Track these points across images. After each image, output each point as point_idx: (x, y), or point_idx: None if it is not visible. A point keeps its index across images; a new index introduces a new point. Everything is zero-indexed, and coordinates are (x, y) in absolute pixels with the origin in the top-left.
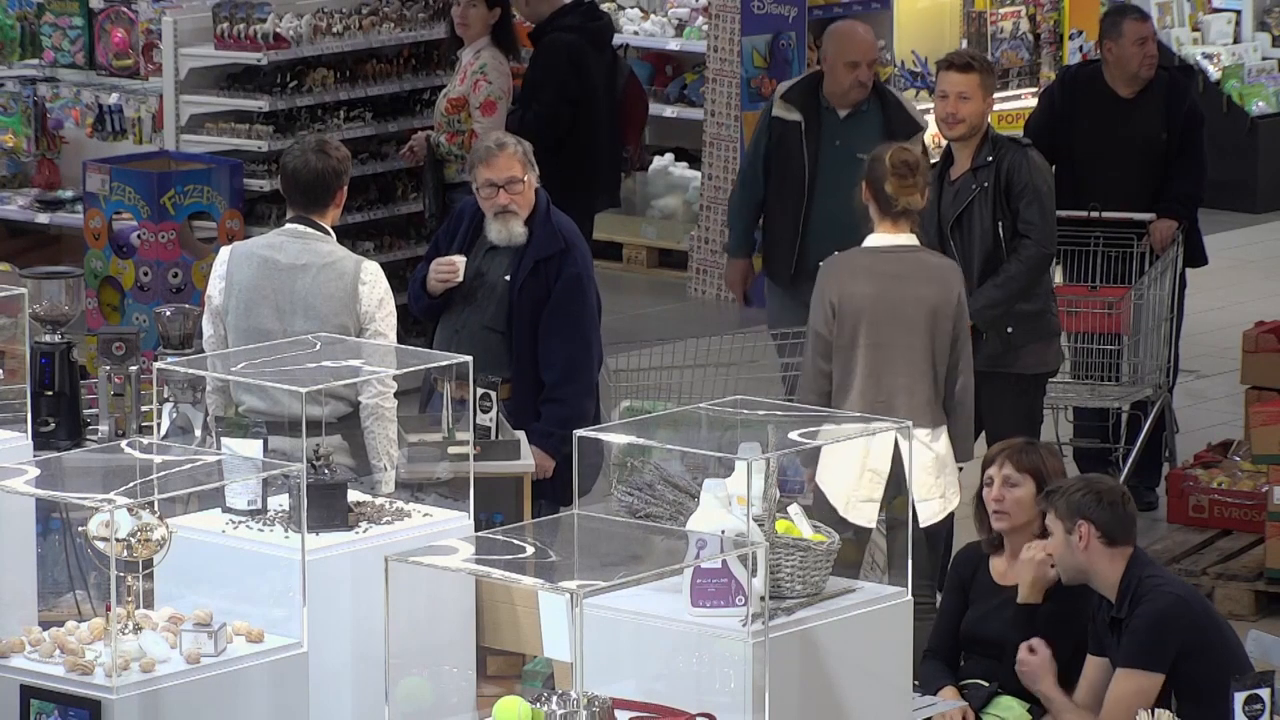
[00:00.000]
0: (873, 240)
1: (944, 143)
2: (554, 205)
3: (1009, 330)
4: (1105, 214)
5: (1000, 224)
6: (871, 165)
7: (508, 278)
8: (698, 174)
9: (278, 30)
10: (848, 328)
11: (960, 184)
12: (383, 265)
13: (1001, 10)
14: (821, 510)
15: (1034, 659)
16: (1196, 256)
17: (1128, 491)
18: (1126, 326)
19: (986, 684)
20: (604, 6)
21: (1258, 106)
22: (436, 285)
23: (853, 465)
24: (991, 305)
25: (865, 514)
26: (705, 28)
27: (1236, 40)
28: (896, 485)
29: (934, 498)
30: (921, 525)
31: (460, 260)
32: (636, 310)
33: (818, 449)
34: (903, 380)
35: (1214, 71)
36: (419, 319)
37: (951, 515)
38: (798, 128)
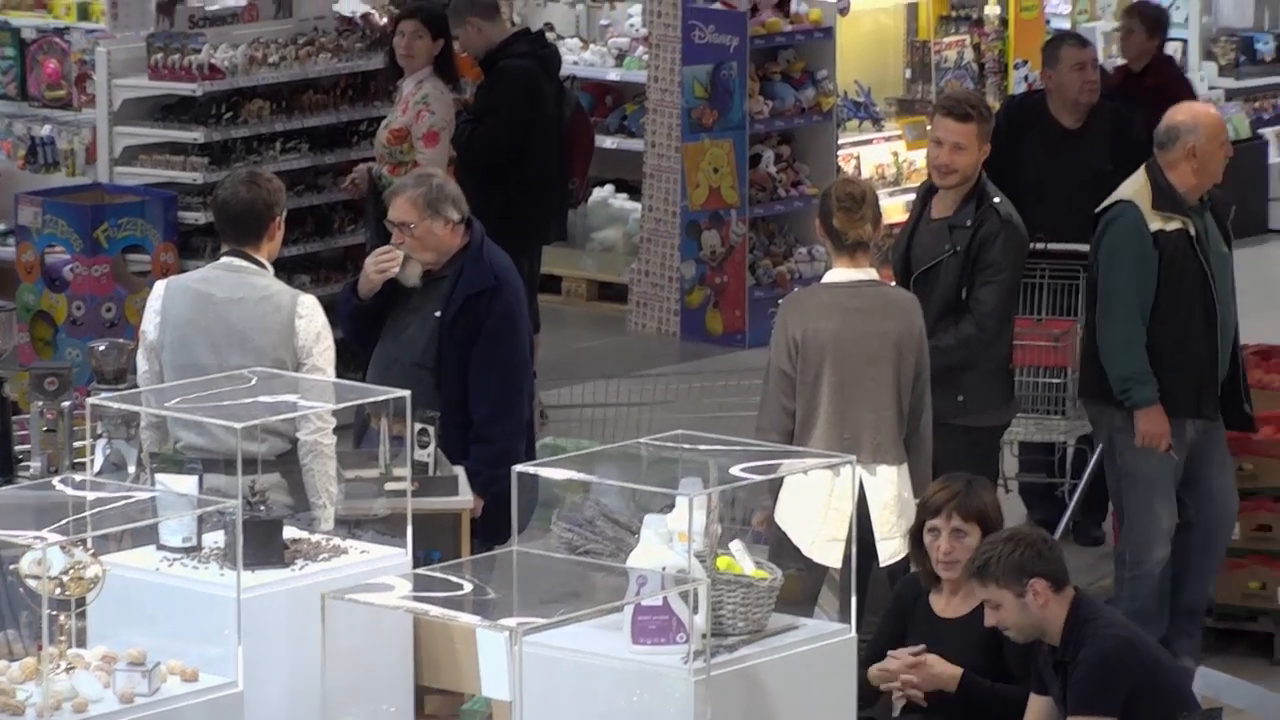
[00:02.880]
0: (832, 276)
1: None
2: (501, 238)
3: (959, 398)
4: (1051, 245)
5: (964, 290)
6: (821, 201)
7: (438, 314)
8: (638, 206)
9: (213, 61)
10: (811, 364)
11: (936, 231)
12: (320, 299)
13: (945, 40)
14: (783, 549)
15: (921, 669)
16: None
17: (1043, 534)
18: (1072, 359)
19: None
20: (546, 36)
21: None
22: (374, 278)
23: (817, 503)
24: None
25: (831, 553)
26: (645, 58)
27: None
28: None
29: (895, 537)
30: (882, 564)
31: (399, 254)
32: (576, 344)
33: (762, 484)
34: (868, 416)
35: None
36: (348, 337)
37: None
38: (1185, 238)
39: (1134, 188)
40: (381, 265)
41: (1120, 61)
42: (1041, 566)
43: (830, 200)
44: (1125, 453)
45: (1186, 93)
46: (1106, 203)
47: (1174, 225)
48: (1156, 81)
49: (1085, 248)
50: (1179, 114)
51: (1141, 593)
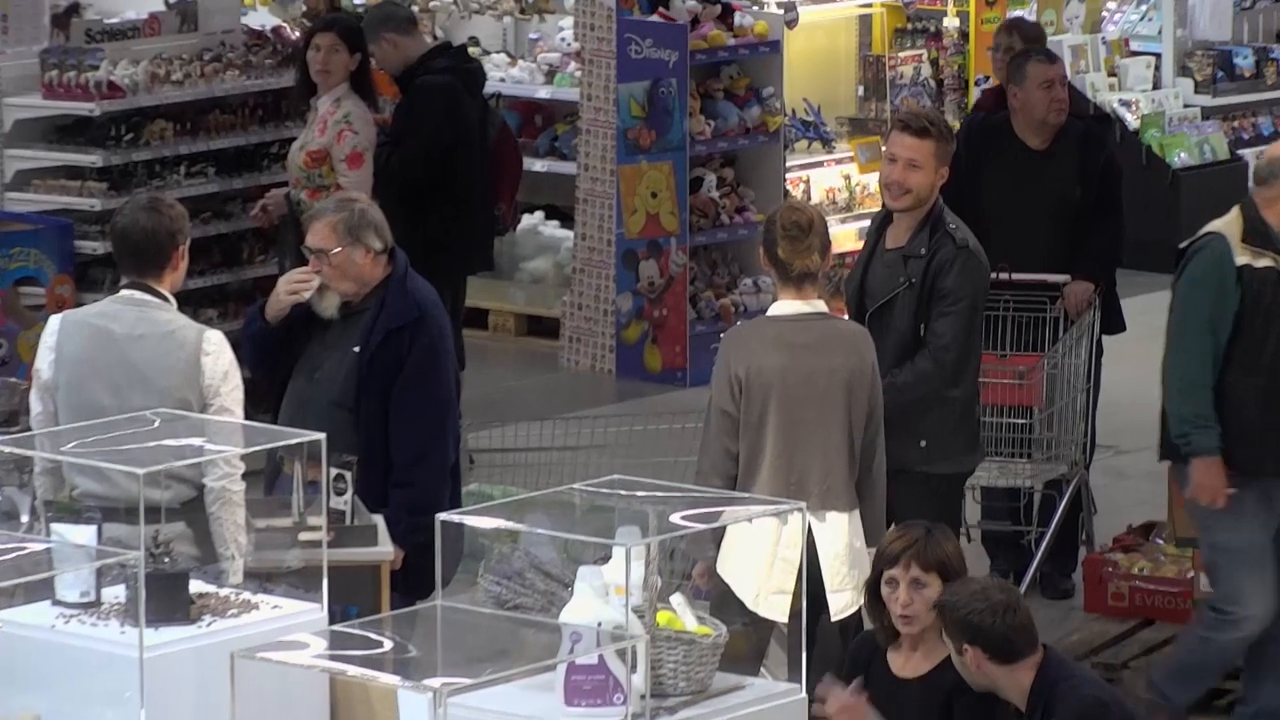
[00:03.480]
0: (777, 308)
1: None
2: (422, 269)
3: (921, 444)
4: (1015, 276)
5: (922, 326)
6: (766, 228)
7: (356, 349)
8: (570, 234)
9: (111, 78)
10: (756, 404)
11: (891, 263)
12: (227, 334)
13: (901, 54)
14: (727, 604)
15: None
16: (1114, 322)
17: (1016, 599)
18: (1039, 398)
19: None
20: (469, 51)
21: (1180, 158)
22: (285, 299)
23: (762, 554)
24: None
25: (778, 607)
26: (578, 74)
27: (1156, 86)
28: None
29: (847, 589)
30: (833, 619)
31: (317, 279)
32: (504, 383)
33: (704, 533)
34: (817, 459)
35: (1132, 120)
36: (248, 361)
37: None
38: (1275, 276)
39: (1225, 221)
40: (294, 287)
41: (992, 83)
42: (983, 638)
43: (775, 228)
44: (1208, 518)
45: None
46: (1194, 236)
47: (1264, 262)
48: None
49: (1053, 278)
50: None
51: (1201, 653)
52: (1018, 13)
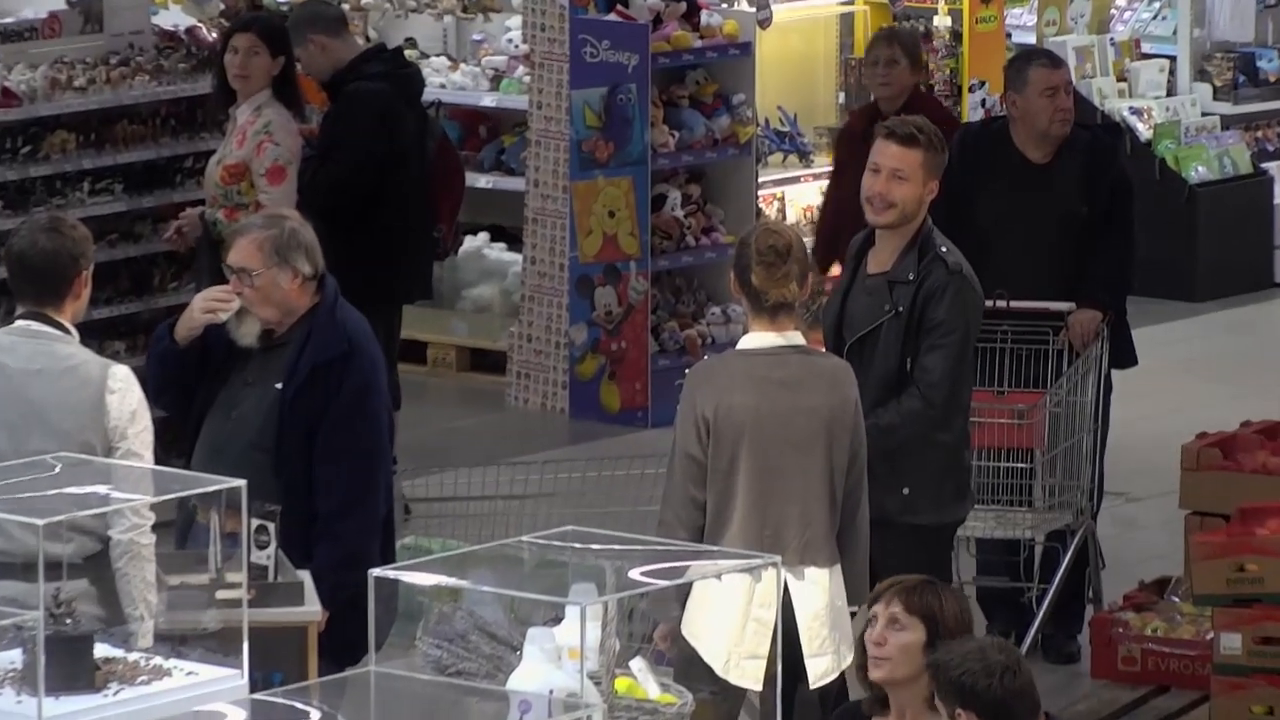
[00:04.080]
0: (749, 341)
1: None
2: (353, 297)
3: (904, 491)
4: (1014, 304)
5: (908, 358)
6: (738, 251)
7: (279, 386)
8: (518, 257)
9: (6, 84)
10: (726, 447)
11: (874, 289)
12: (136, 370)
13: None
14: (693, 669)
15: None
16: (1124, 355)
17: (1017, 660)
18: (1040, 440)
19: None
20: (406, 54)
21: (1197, 172)
22: (199, 317)
23: (733, 614)
24: None
25: (750, 673)
26: (527, 80)
27: (1171, 92)
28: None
29: (826, 653)
30: (811, 686)
31: (239, 302)
32: (444, 424)
33: (668, 591)
34: (794, 509)
35: (1144, 130)
36: (152, 383)
37: (844, 673)
38: None
39: None
40: (211, 305)
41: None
42: (977, 702)
43: (748, 252)
44: None
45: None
46: None
47: None
48: None
49: (1056, 306)
50: None
51: None
52: (1016, 10)
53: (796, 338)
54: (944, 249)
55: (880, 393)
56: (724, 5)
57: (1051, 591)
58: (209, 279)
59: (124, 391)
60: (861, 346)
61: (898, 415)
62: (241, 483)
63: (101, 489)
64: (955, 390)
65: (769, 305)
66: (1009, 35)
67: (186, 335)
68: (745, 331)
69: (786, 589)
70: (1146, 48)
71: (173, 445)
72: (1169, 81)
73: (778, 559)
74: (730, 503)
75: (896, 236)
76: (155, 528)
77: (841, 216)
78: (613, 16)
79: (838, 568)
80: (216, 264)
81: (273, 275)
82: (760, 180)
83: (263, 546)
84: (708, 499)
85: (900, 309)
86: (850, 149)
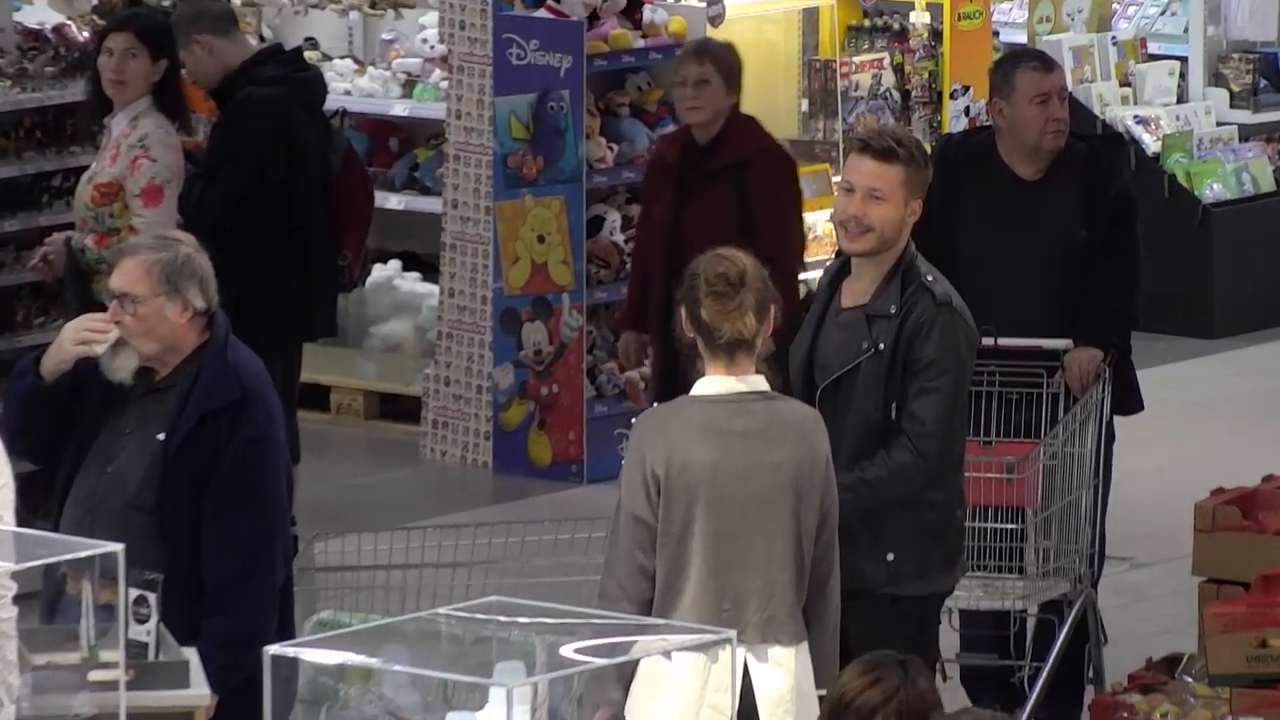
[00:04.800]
0: (704, 386)
1: None
2: (247, 335)
3: (888, 558)
4: (1003, 341)
5: (892, 403)
6: (688, 284)
7: (161, 437)
8: (434, 289)
9: None
10: (678, 508)
11: (849, 324)
12: None
13: (856, 59)
14: None
15: None
16: (1129, 400)
17: None
18: (1033, 498)
19: None
20: (305, 55)
21: (1212, 190)
22: (70, 349)
23: (684, 699)
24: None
25: None
26: (444, 85)
27: (1182, 99)
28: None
29: None
30: None
31: (115, 333)
32: (350, 480)
33: (607, 670)
34: (756, 580)
35: (1151, 143)
36: (10, 426)
37: None
38: None
39: None
40: (85, 336)
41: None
42: None
43: (697, 283)
44: None
45: (781, 172)
46: None
47: None
48: (746, 154)
49: (1051, 343)
50: None
51: None
52: (1004, 5)
53: (759, 382)
54: (930, 277)
55: (858, 444)
56: (670, 0)
57: (1046, 671)
58: (76, 314)
59: None
60: (835, 391)
61: (886, 469)
62: (118, 547)
63: None
64: (949, 439)
65: (723, 342)
66: (996, 34)
67: (54, 370)
68: (700, 374)
69: (746, 670)
70: (1153, 48)
71: (38, 505)
72: (1179, 86)
73: (734, 635)
74: (683, 572)
75: (875, 265)
76: (17, 599)
77: (651, 263)
78: (542, 13)
79: (804, 646)
80: (86, 298)
81: (159, 305)
82: None
83: (142, 620)
84: (657, 568)
85: (881, 347)
86: (658, 184)
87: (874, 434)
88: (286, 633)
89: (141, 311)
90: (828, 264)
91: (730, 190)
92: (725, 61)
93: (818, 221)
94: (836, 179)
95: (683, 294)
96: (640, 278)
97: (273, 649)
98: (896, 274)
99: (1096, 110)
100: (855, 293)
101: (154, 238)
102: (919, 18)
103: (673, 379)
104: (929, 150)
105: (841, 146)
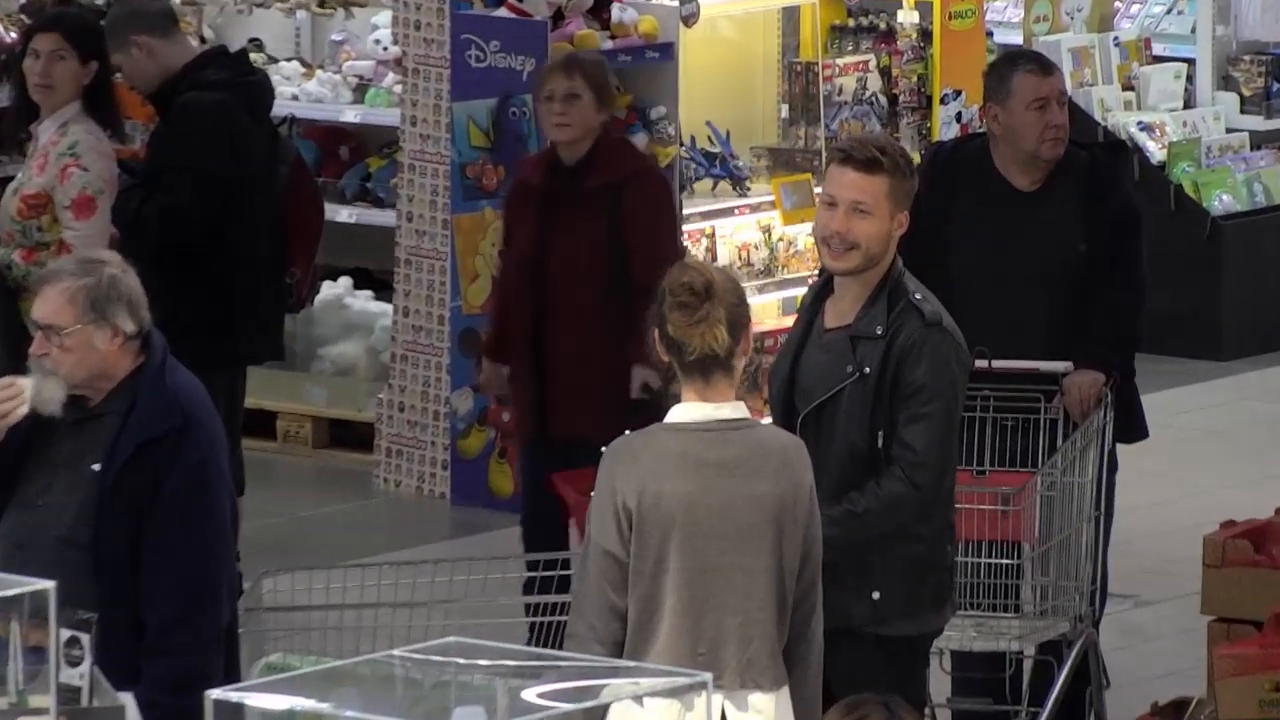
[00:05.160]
0: (679, 413)
1: None
2: (187, 358)
3: (874, 596)
4: (997, 364)
5: (879, 431)
6: (657, 302)
7: (96, 468)
8: (388, 308)
9: None
10: (651, 544)
11: (833, 346)
12: None
13: (840, 61)
14: None
15: None
16: (1133, 426)
17: None
18: (1030, 532)
19: None
20: (250, 58)
21: (1221, 202)
22: None
23: None
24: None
25: None
26: (398, 90)
27: (1189, 104)
28: None
29: None
30: None
31: (26, 382)
32: (299, 511)
33: (573, 715)
34: (734, 620)
35: (1157, 150)
36: None
37: None
38: None
39: None
40: (2, 409)
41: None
42: None
43: (665, 296)
44: None
45: (658, 195)
46: None
47: None
48: (620, 175)
49: (1049, 366)
50: None
51: None
52: (998, 4)
53: (738, 408)
54: (918, 296)
55: (842, 475)
56: None
57: (1044, 716)
58: (4, 337)
59: None
60: (818, 418)
61: (877, 501)
62: (49, 584)
63: None
64: (943, 468)
65: (693, 359)
66: (990, 34)
67: None
68: (675, 400)
69: (724, 716)
70: (1158, 49)
71: None
72: (1186, 90)
73: (709, 678)
74: (657, 612)
75: (859, 283)
76: None
77: (515, 294)
78: (503, 12)
79: (785, 691)
80: (13, 319)
81: (87, 334)
82: (685, 212)
83: (75, 663)
84: (630, 607)
85: (867, 370)
86: (523, 206)
87: (859, 464)
88: (232, 676)
89: (68, 343)
90: (810, 281)
91: (602, 215)
92: (596, 76)
93: (799, 235)
94: (818, 190)
95: (652, 313)
96: (501, 308)
97: (216, 693)
98: (883, 292)
99: (1098, 116)
100: (839, 312)
101: (75, 261)
102: (907, 17)
103: (540, 411)
104: (918, 160)
105: (824, 154)
